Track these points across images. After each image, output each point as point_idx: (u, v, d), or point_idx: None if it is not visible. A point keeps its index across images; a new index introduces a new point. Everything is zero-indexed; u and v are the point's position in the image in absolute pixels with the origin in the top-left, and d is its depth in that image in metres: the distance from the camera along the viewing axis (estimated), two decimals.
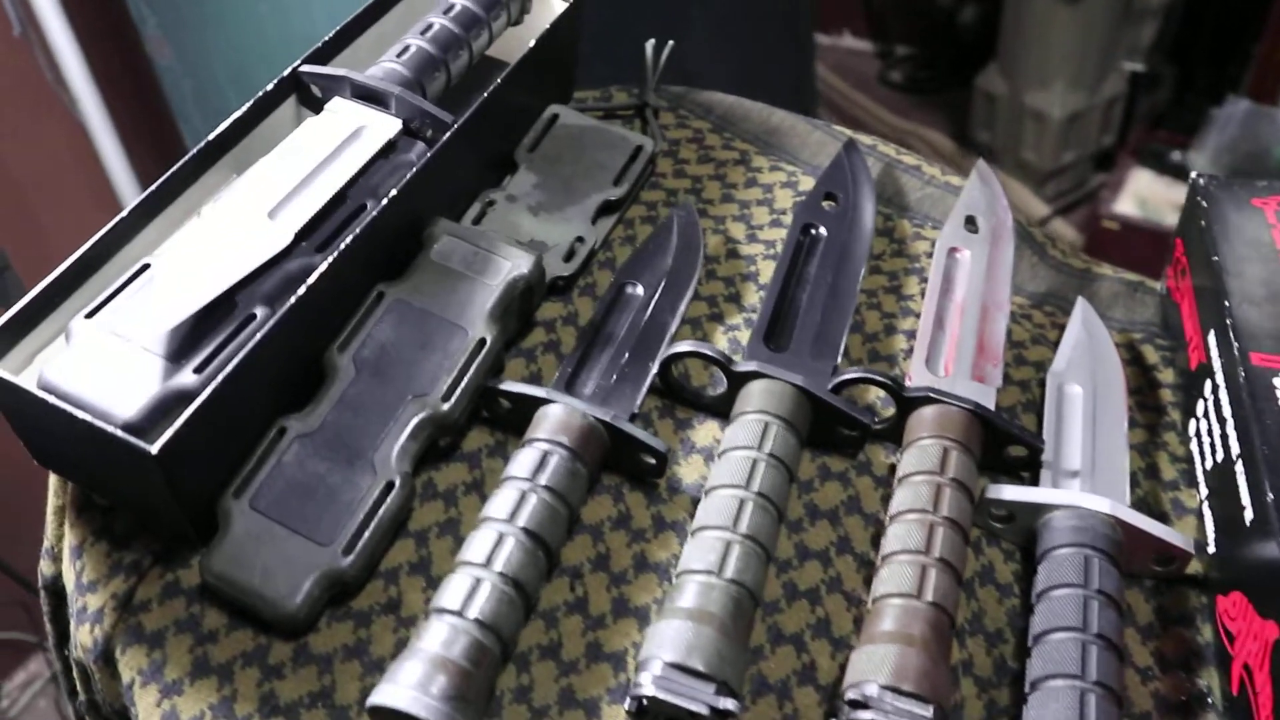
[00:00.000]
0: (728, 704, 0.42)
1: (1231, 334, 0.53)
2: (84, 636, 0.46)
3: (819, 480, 0.54)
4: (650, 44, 0.70)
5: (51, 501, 0.53)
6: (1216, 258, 0.58)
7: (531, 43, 0.60)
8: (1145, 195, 1.60)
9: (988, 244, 0.64)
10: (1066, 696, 0.44)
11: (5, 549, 1.09)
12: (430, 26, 0.59)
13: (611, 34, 0.71)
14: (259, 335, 0.46)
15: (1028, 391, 0.60)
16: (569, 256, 0.59)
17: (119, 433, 0.42)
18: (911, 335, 0.61)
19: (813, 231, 0.63)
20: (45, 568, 0.54)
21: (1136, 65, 1.71)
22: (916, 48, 2.07)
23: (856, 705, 0.43)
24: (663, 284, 0.58)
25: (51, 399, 0.43)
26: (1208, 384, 0.55)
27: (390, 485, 0.48)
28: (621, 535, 0.51)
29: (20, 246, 0.99)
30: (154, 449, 0.42)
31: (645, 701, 0.43)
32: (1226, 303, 0.55)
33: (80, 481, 0.49)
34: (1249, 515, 0.47)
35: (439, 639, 0.43)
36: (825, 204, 0.65)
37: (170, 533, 0.48)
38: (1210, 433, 0.54)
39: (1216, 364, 0.54)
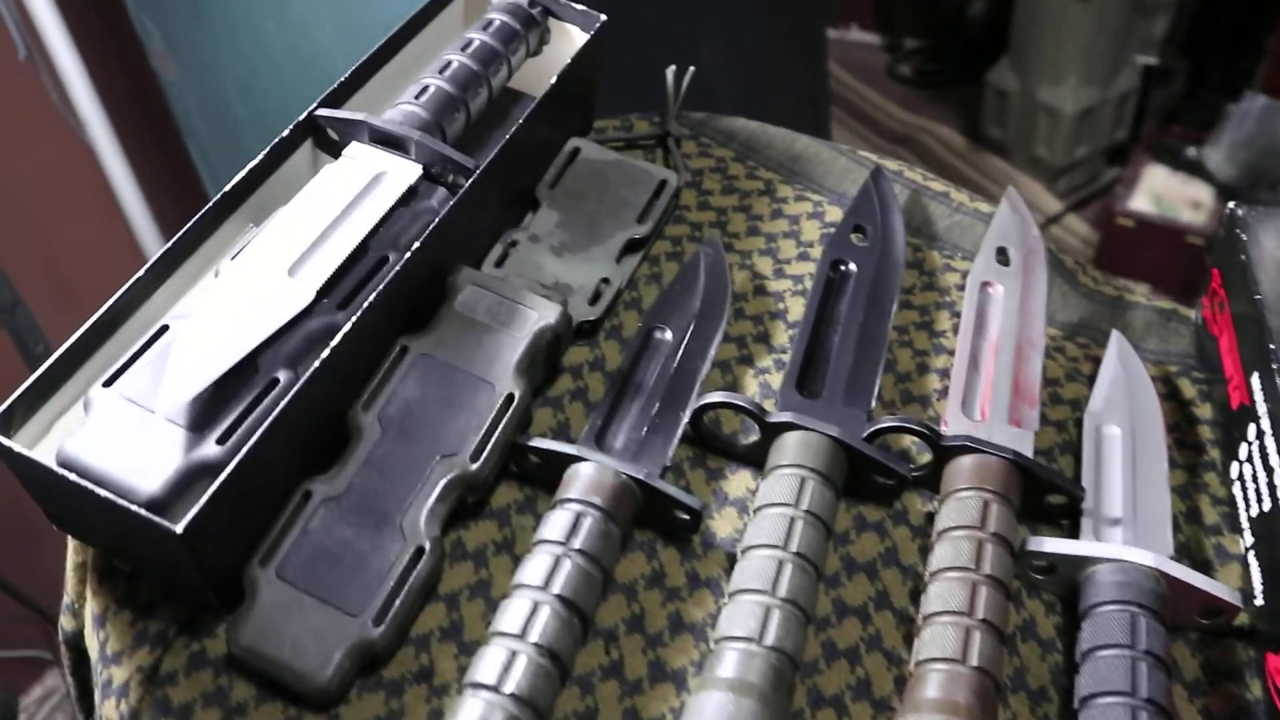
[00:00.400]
0: None
1: (1277, 381, 0.52)
2: (110, 711, 0.45)
3: (855, 531, 0.53)
4: (671, 71, 0.69)
5: (71, 558, 0.52)
6: (1260, 296, 0.56)
7: (553, 79, 0.58)
8: (1160, 192, 1.58)
9: (1020, 276, 0.63)
10: None
11: (19, 568, 1.09)
12: (449, 64, 0.58)
13: (621, 51, 0.69)
14: (283, 403, 0.44)
15: (1064, 432, 0.59)
16: (594, 299, 0.58)
17: (143, 512, 0.41)
18: (944, 374, 0.60)
19: (842, 268, 0.62)
20: (65, 623, 0.53)
21: (1149, 59, 1.69)
22: (925, 41, 2.04)
23: None
24: (691, 327, 0.57)
25: (73, 477, 0.41)
26: (1252, 428, 0.54)
27: (420, 551, 0.46)
28: (656, 594, 0.50)
29: (28, 270, 0.98)
30: (179, 529, 0.40)
31: None
32: (1272, 345, 0.54)
33: (100, 547, 0.48)
34: None
35: (475, 717, 0.42)
36: (854, 236, 0.64)
37: (195, 601, 0.47)
38: (1255, 479, 0.53)
39: (1262, 408, 0.53)
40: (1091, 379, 0.62)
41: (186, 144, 1.06)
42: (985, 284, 0.62)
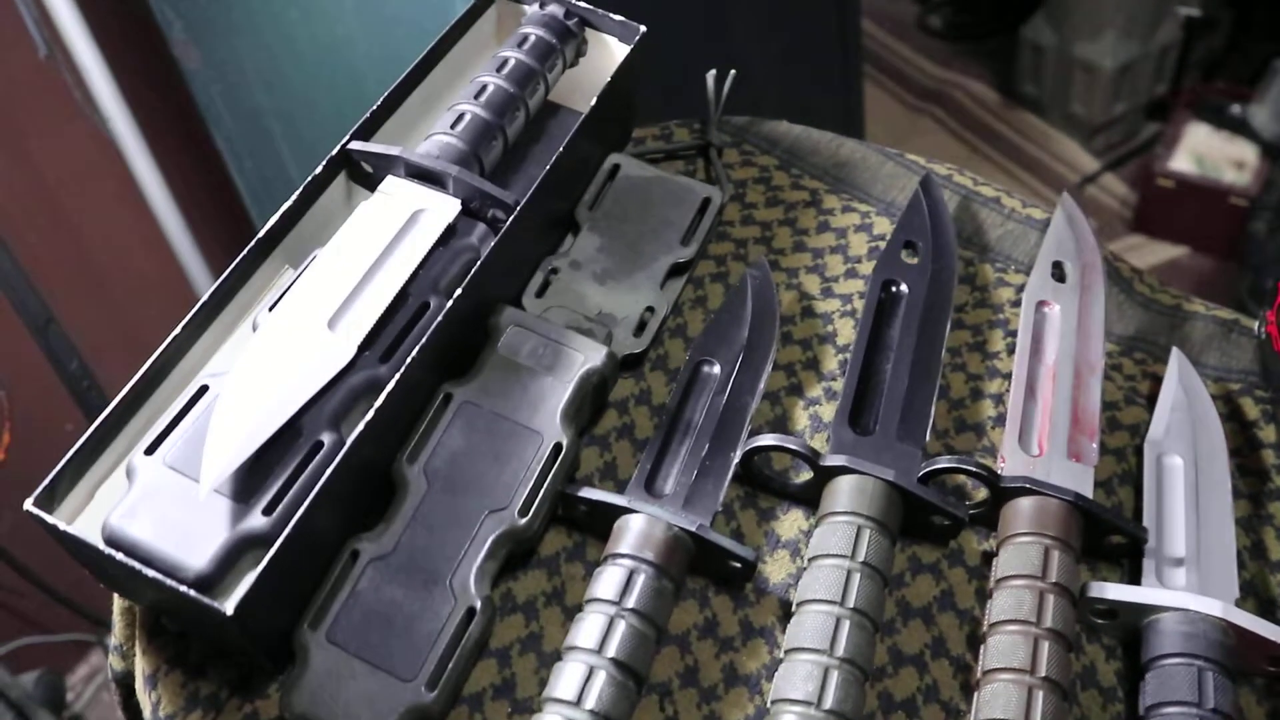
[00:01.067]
0: None
1: None
2: None
3: (910, 574, 0.52)
4: (711, 75, 0.66)
5: (117, 603, 0.52)
6: None
7: (594, 101, 0.56)
8: (1202, 152, 1.53)
9: (1077, 294, 0.61)
10: None
11: (49, 559, 1.09)
12: (484, 89, 0.55)
13: (654, 42, 0.67)
14: (328, 471, 0.43)
15: (1123, 461, 0.57)
16: (639, 330, 0.57)
17: (193, 593, 0.40)
18: (999, 400, 0.58)
19: (893, 289, 0.60)
20: (115, 663, 0.53)
21: (1191, 10, 1.62)
22: None
23: None
24: (739, 360, 0.55)
25: (120, 556, 0.41)
26: None
27: (471, 612, 0.46)
28: (709, 645, 0.49)
29: (54, 267, 0.97)
30: (229, 610, 0.40)
31: None
32: None
33: (148, 608, 0.48)
34: None
35: None
36: (904, 252, 0.61)
37: (245, 662, 0.46)
38: None
39: None
40: (1151, 400, 0.60)
41: (212, 134, 1.04)
42: (1041, 303, 0.60)
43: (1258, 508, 0.56)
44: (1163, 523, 0.53)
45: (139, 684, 0.48)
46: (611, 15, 0.60)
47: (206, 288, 1.10)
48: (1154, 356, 0.63)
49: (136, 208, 1.00)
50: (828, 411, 0.57)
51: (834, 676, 0.44)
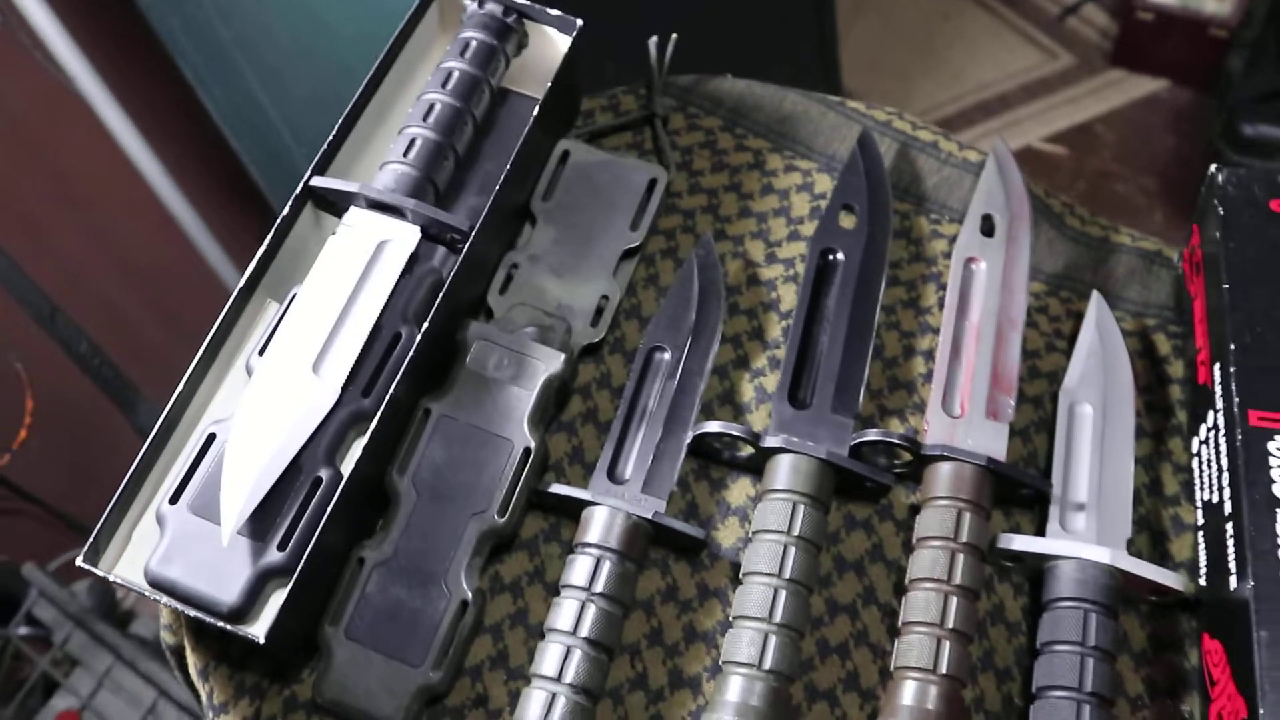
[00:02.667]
0: None
1: (1233, 386, 0.56)
2: None
3: (845, 530, 0.59)
4: (653, 42, 0.68)
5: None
6: (1227, 286, 0.59)
7: (535, 110, 0.59)
8: None
9: (1003, 248, 0.65)
10: None
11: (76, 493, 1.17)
12: (431, 108, 0.58)
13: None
14: (331, 505, 0.50)
15: (1041, 408, 0.63)
16: (596, 319, 0.62)
17: (229, 626, 0.48)
18: (929, 356, 0.64)
19: (830, 258, 0.64)
20: (166, 638, 0.62)
21: None
22: None
23: None
24: (688, 343, 0.61)
25: (165, 599, 0.49)
26: (1210, 415, 0.58)
27: (464, 604, 0.54)
28: (671, 608, 0.57)
29: (21, 224, 1.00)
30: (261, 637, 0.48)
31: None
32: (1232, 345, 0.57)
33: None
34: (1233, 583, 0.52)
35: None
36: (843, 213, 0.66)
37: (286, 659, 0.55)
38: (1208, 465, 0.58)
39: (1219, 402, 0.57)
40: (1071, 341, 0.65)
41: (178, 63, 1.04)
42: (969, 260, 0.65)
43: (1159, 444, 0.63)
44: (1070, 470, 0.60)
45: (194, 678, 0.57)
46: (549, 10, 0.62)
47: (187, 218, 1.14)
48: (1079, 294, 0.68)
49: (112, 154, 1.02)
50: (771, 382, 0.63)
51: (772, 640, 0.53)
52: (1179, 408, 0.64)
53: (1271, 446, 0.54)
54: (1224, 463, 0.55)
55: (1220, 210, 0.61)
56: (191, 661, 0.56)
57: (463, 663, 0.55)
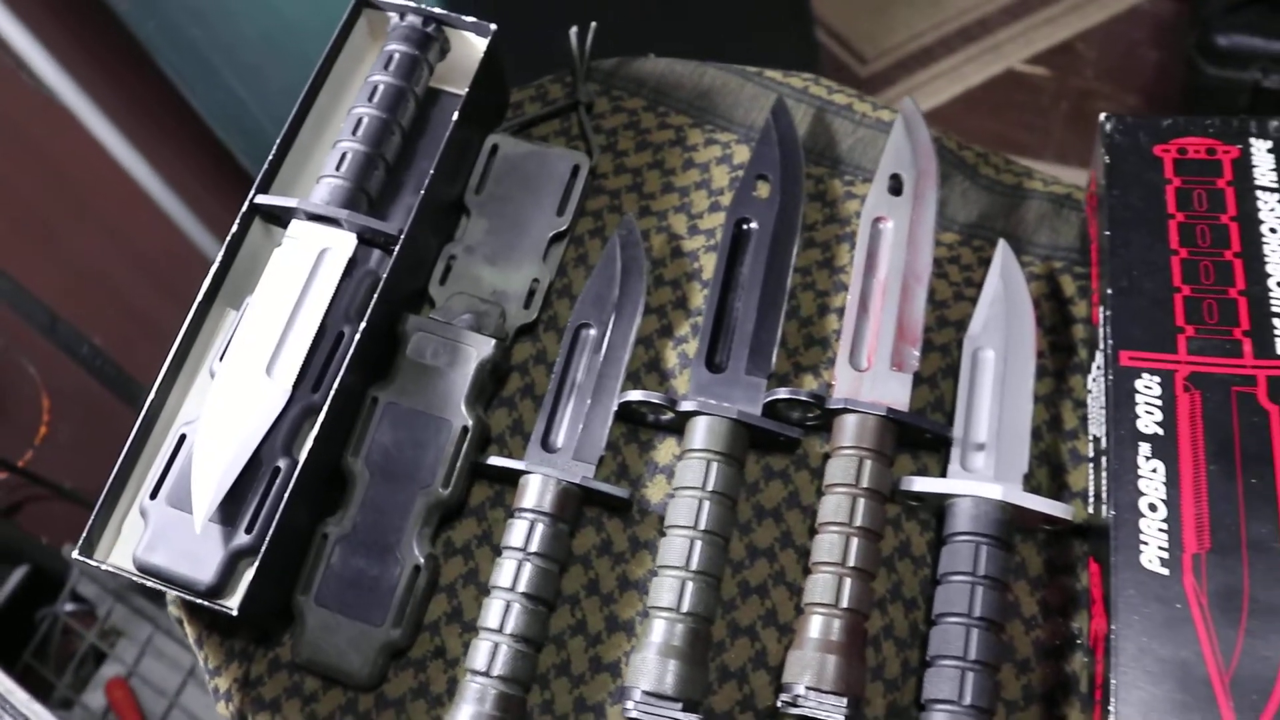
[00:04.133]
0: (690, 717, 0.57)
1: (1109, 327, 0.60)
2: (221, 709, 0.62)
3: (763, 481, 0.65)
4: (574, 32, 0.72)
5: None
6: (1108, 232, 0.62)
7: (454, 118, 0.64)
8: None
9: (910, 206, 0.69)
10: (951, 676, 0.57)
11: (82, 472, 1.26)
12: (359, 122, 0.64)
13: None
14: (288, 491, 0.57)
15: (948, 355, 0.68)
16: (528, 301, 0.67)
17: (207, 603, 0.56)
18: (842, 313, 0.69)
19: (745, 226, 0.69)
20: (172, 611, 0.70)
21: None
22: None
23: (788, 704, 0.57)
24: (612, 319, 0.66)
25: (151, 581, 0.56)
26: (1098, 355, 0.62)
27: (417, 569, 0.61)
28: (606, 560, 0.64)
29: (16, 236, 1.08)
30: (234, 609, 0.55)
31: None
32: (1109, 289, 0.61)
33: None
34: (1103, 510, 0.57)
35: (474, 696, 0.58)
36: (758, 182, 0.70)
37: (264, 625, 0.63)
38: (1095, 401, 0.62)
39: (1101, 343, 0.61)
40: (980, 289, 0.69)
41: (159, 63, 1.10)
42: (877, 220, 0.69)
43: (1060, 382, 0.67)
44: (971, 413, 0.65)
45: (190, 643, 0.65)
46: (464, 17, 0.66)
47: (181, 217, 1.20)
48: (991, 242, 0.71)
49: (100, 157, 1.09)
50: (693, 348, 0.68)
51: (689, 586, 0.59)
52: (1081, 346, 0.68)
53: (1139, 385, 0.58)
54: (1103, 399, 0.60)
55: (1106, 157, 0.65)
56: (188, 631, 0.64)
57: (421, 620, 0.62)
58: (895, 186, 0.69)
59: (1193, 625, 0.52)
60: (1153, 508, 0.55)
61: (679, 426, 0.65)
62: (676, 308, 0.69)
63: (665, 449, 0.66)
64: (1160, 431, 0.57)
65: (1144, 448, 0.56)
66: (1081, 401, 0.66)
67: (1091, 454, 0.63)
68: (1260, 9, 1.24)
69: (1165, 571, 0.53)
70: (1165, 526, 0.54)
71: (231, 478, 0.57)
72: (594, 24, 0.72)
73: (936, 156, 0.71)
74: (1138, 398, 0.58)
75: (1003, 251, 0.69)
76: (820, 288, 0.69)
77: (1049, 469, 0.65)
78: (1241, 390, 0.57)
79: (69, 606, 1.22)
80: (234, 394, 0.59)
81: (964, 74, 1.43)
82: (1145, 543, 0.54)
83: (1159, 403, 0.57)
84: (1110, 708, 0.51)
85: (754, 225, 0.69)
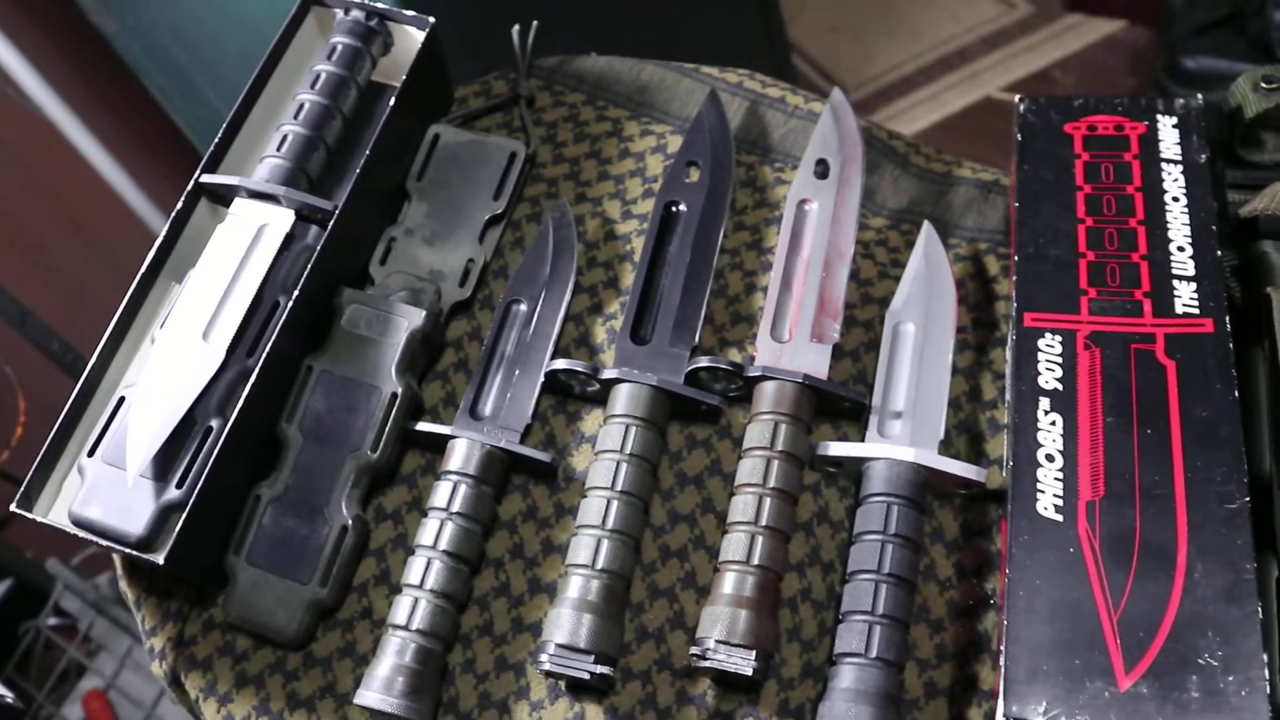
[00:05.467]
0: (602, 670, 0.58)
1: (1014, 291, 0.61)
2: (156, 669, 0.64)
3: (687, 449, 0.66)
4: (515, 30, 0.76)
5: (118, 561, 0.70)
6: (1018, 204, 0.64)
7: (391, 103, 0.67)
8: None
9: (835, 188, 0.71)
10: (859, 629, 0.58)
11: None
12: (301, 108, 0.67)
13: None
14: (217, 448, 0.60)
15: (871, 330, 0.69)
16: (464, 280, 0.70)
17: (135, 552, 0.58)
18: (767, 292, 0.70)
19: (674, 209, 0.71)
20: (121, 585, 0.72)
21: None
22: None
23: (699, 657, 0.58)
24: (543, 294, 0.69)
25: (83, 533, 0.59)
26: (1009, 322, 0.64)
27: (344, 529, 0.63)
28: (531, 525, 0.65)
29: (10, 254, 1.12)
30: (161, 560, 0.57)
31: (546, 673, 0.59)
32: (1016, 256, 0.63)
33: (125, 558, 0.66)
34: (1007, 469, 0.58)
35: (394, 650, 0.59)
36: (690, 169, 0.73)
37: (198, 585, 0.65)
38: (1008, 367, 0.64)
39: (1010, 309, 0.63)
40: (904, 269, 0.71)
41: (145, 84, 1.15)
42: (802, 202, 0.71)
43: (981, 355, 0.68)
44: (890, 383, 0.67)
45: (130, 605, 0.67)
46: (404, 11, 0.70)
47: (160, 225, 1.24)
48: (919, 226, 0.73)
49: (80, 171, 1.14)
50: (622, 325, 0.70)
51: (605, 544, 0.60)
52: (1003, 322, 0.69)
53: (1041, 344, 0.60)
54: (1011, 371, 0.61)
55: (1019, 136, 0.67)
56: (127, 594, 0.66)
57: (349, 581, 0.64)
58: (821, 171, 0.72)
59: (1085, 568, 0.53)
60: (1050, 458, 0.56)
61: (605, 397, 0.67)
62: (607, 287, 0.71)
63: (592, 420, 0.68)
64: (1060, 387, 0.58)
65: (1044, 402, 0.58)
66: (1001, 374, 0.67)
67: (1008, 420, 0.64)
68: (1225, 31, 1.27)
69: (1059, 518, 0.54)
70: (1061, 476, 0.55)
71: (164, 434, 0.59)
72: (535, 22, 0.76)
73: (866, 145, 0.74)
74: (1039, 356, 0.59)
75: (926, 232, 0.71)
76: (748, 268, 0.72)
77: (968, 437, 0.66)
78: (1140, 347, 0.58)
79: (52, 620, 1.25)
80: (172, 358, 0.62)
81: (943, 101, 1.46)
82: (1042, 491, 0.55)
83: (1059, 360, 0.59)
84: (1002, 648, 0.52)
85: (683, 207, 0.71)
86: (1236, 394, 0.55)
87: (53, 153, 1.11)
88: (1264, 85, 0.66)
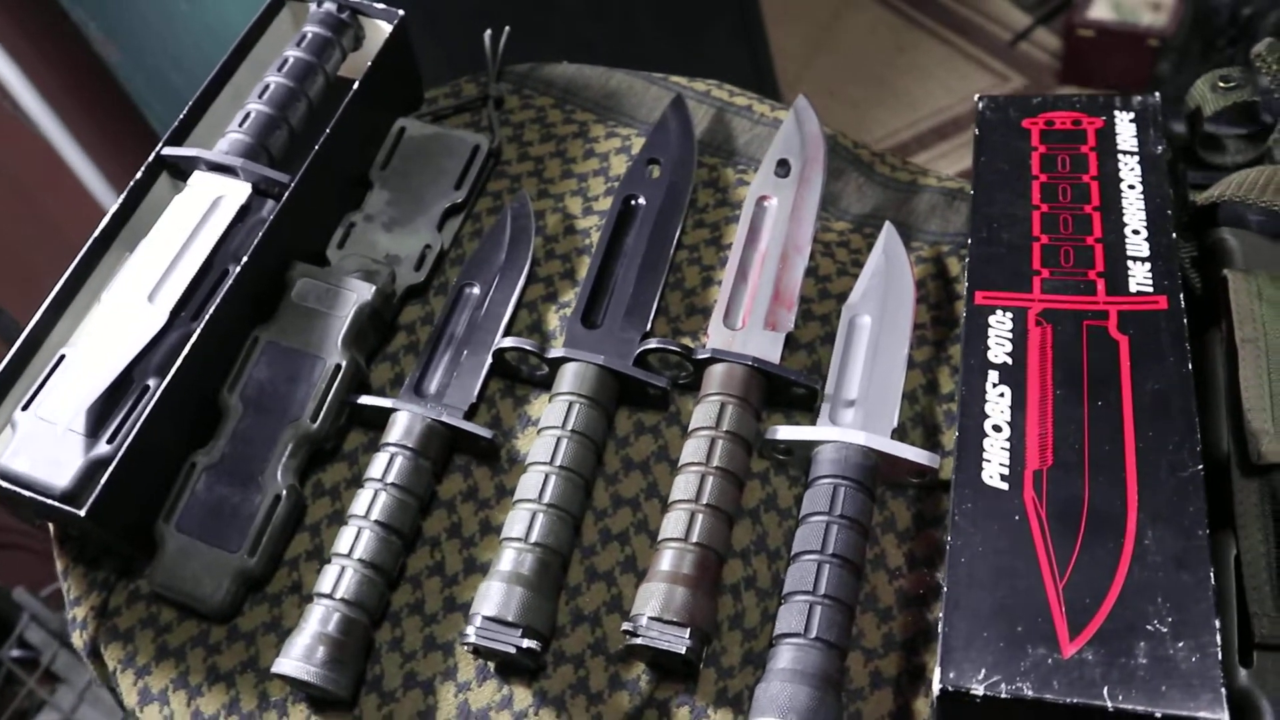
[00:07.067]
0: (529, 644, 0.55)
1: (967, 273, 0.61)
2: (76, 640, 0.62)
3: (634, 435, 0.65)
4: (488, 35, 0.77)
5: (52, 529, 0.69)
6: (973, 191, 0.64)
7: (356, 83, 0.69)
8: None
9: (795, 186, 0.71)
10: (800, 609, 0.55)
11: None
12: (267, 87, 0.68)
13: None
14: (151, 404, 0.59)
15: (827, 325, 0.68)
16: (419, 265, 0.70)
17: (57, 503, 0.56)
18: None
19: (633, 203, 0.71)
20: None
21: None
22: None
23: (631, 634, 0.56)
24: (497, 279, 0.68)
25: (5, 484, 0.57)
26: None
27: (278, 498, 0.61)
28: (470, 506, 0.63)
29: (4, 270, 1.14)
30: (83, 512, 0.56)
31: (472, 646, 0.56)
32: (969, 240, 0.62)
33: (54, 524, 0.65)
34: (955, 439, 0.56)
35: (317, 618, 0.57)
36: (650, 167, 0.73)
37: (126, 552, 0.63)
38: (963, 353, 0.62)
39: (964, 288, 0.62)
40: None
41: (145, 115, 1.19)
42: (762, 198, 0.71)
43: (939, 350, 0.67)
44: (844, 373, 0.65)
45: (59, 577, 0.65)
46: (375, 4, 0.72)
47: None
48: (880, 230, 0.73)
49: (79, 198, 1.16)
50: (573, 310, 0.69)
51: (540, 518, 0.58)
52: (963, 320, 0.68)
53: (992, 320, 0.58)
54: (962, 339, 0.60)
55: (977, 131, 0.67)
56: (58, 566, 0.65)
57: (280, 553, 0.62)
58: (783, 171, 0.72)
59: (1030, 536, 0.50)
60: (997, 429, 0.54)
61: (553, 381, 0.66)
62: (564, 278, 0.71)
63: (539, 404, 0.66)
64: (1009, 361, 0.56)
65: (992, 375, 0.56)
66: (959, 369, 0.66)
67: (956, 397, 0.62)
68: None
69: (1005, 486, 0.52)
70: (1008, 445, 0.53)
71: (99, 388, 0.59)
72: (507, 28, 0.77)
73: (831, 152, 0.74)
74: (990, 332, 0.58)
75: (888, 231, 0.70)
76: (706, 262, 0.71)
77: (924, 429, 0.64)
78: (1092, 324, 0.57)
79: (15, 653, 1.22)
80: (115, 317, 0.61)
81: (938, 168, 1.48)
82: (988, 460, 0.53)
83: (1010, 336, 0.57)
84: (942, 615, 0.49)
85: (642, 201, 0.71)
86: (1190, 368, 0.54)
87: (53, 181, 1.14)
88: (1222, 85, 0.66)
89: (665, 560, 0.57)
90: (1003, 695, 0.46)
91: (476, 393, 0.65)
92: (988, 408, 0.55)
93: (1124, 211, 0.61)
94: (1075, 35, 1.57)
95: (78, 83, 1.16)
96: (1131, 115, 0.65)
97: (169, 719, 0.59)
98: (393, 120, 0.75)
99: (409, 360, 0.68)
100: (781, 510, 0.62)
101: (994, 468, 0.53)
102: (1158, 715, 0.44)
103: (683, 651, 0.54)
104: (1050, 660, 0.46)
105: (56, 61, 1.14)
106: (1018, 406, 0.55)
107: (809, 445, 0.61)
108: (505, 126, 0.77)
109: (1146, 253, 0.59)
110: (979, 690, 0.46)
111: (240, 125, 0.67)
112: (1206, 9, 1.43)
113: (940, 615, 0.56)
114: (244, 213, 0.66)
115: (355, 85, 0.69)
